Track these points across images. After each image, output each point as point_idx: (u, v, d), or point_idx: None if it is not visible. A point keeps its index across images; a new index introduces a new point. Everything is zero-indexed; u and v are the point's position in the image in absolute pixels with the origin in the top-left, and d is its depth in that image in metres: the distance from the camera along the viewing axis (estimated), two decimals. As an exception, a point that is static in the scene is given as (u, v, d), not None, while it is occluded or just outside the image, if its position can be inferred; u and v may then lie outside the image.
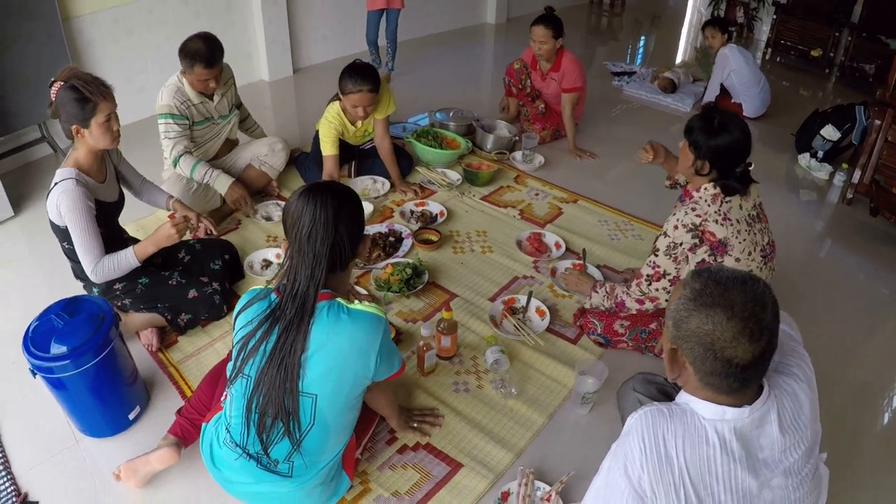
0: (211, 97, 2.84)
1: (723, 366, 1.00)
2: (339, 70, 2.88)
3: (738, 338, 0.98)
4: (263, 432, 1.42)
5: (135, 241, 2.31)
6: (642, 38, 6.68)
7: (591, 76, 4.92)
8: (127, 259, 2.08)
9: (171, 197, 2.42)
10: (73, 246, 2.04)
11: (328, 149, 2.97)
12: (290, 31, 4.90)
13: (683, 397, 1.10)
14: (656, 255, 1.93)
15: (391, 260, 2.58)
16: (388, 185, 3.19)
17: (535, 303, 2.33)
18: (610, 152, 3.72)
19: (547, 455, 1.84)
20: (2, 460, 1.88)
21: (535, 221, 2.96)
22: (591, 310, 2.21)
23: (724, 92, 4.22)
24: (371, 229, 2.80)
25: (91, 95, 1.94)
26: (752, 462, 1.03)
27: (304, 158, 3.30)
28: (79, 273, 2.17)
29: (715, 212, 1.83)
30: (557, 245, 2.72)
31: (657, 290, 1.97)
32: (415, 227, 2.85)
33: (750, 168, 1.88)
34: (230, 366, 1.47)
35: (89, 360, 1.81)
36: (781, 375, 1.13)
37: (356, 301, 1.45)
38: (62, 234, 2.05)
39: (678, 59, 5.85)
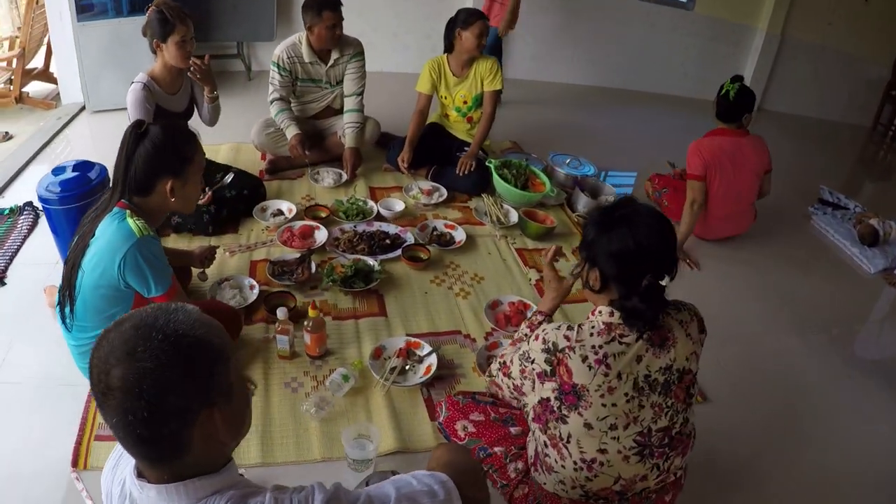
0: (325, 61, 3.16)
1: None
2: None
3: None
4: (62, 289, 1.73)
5: None
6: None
7: (794, 191, 4.09)
8: None
9: None
10: None
11: (420, 88, 3.35)
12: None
13: None
14: (516, 349, 1.49)
15: (363, 256, 2.58)
16: (444, 197, 3.19)
17: (433, 360, 2.08)
18: (723, 272, 3.05)
19: (270, 481, 1.69)
20: (14, 250, 2.59)
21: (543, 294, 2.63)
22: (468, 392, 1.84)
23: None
24: (385, 227, 2.83)
25: (171, 18, 2.43)
26: None
27: (398, 142, 3.43)
28: None
29: (593, 346, 1.29)
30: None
31: (504, 382, 1.53)
32: (423, 242, 2.79)
33: (662, 283, 1.29)
34: None
35: (70, 203, 2.32)
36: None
37: (141, 220, 1.65)
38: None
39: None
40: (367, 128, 3.39)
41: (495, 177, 3.17)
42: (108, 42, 3.69)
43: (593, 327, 1.32)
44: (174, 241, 2.65)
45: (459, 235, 2.87)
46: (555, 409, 1.33)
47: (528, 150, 3.97)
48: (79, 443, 1.74)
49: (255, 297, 2.30)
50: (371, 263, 2.52)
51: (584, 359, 1.28)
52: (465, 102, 3.38)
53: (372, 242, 2.67)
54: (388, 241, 2.70)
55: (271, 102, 3.18)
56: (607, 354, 1.28)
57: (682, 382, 1.34)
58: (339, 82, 3.28)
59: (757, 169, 3.04)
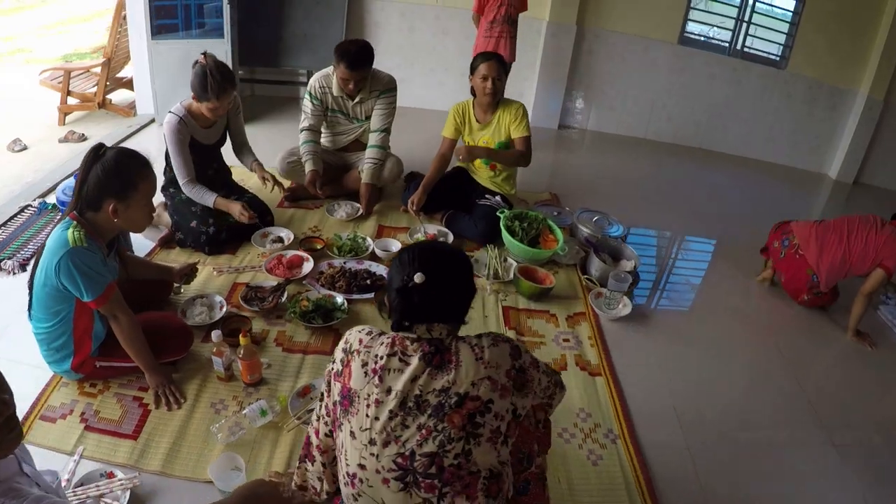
0: (351, 97, 3.38)
1: None
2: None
3: None
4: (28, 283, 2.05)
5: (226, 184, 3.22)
6: None
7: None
8: (207, 199, 2.96)
9: (256, 160, 3.20)
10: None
11: (445, 132, 3.49)
12: (567, 88, 5.11)
13: None
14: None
15: (336, 293, 2.72)
16: (448, 242, 3.25)
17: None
18: (752, 345, 2.94)
19: (158, 490, 1.87)
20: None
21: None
22: None
23: None
24: (374, 267, 2.95)
25: (209, 91, 2.76)
26: None
27: (417, 182, 3.56)
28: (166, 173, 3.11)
29: (376, 355, 1.35)
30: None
31: (320, 415, 1.48)
32: None
33: (416, 280, 1.34)
34: None
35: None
36: None
37: (80, 232, 1.90)
38: None
39: None
40: (387, 165, 3.54)
41: (502, 228, 3.19)
42: (178, 60, 4.17)
43: (387, 338, 1.39)
44: (177, 255, 2.96)
45: (445, 284, 2.92)
46: (338, 415, 1.39)
47: (565, 204, 3.96)
48: (25, 418, 2.02)
49: (219, 317, 2.52)
50: (338, 301, 2.66)
51: (364, 364, 1.35)
52: (487, 144, 3.42)
53: (352, 281, 2.81)
54: (368, 282, 2.83)
55: (301, 131, 3.45)
56: (385, 368, 1.33)
57: (463, 408, 1.30)
58: (369, 117, 3.49)
59: (877, 251, 2.97)
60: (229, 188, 3.23)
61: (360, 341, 1.39)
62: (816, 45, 4.85)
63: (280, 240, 3.10)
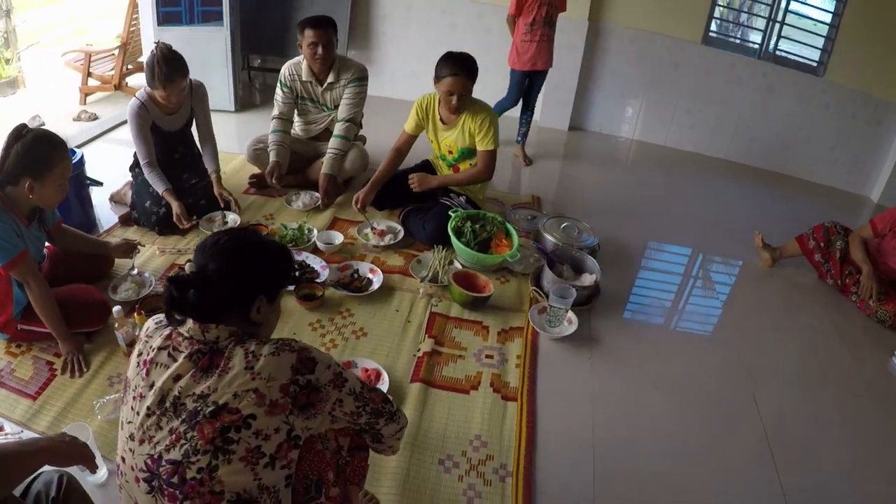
0: (321, 82, 3.54)
1: None
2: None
3: None
4: None
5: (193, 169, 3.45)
6: None
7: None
8: (158, 186, 3.18)
9: (216, 172, 3.39)
10: None
11: (406, 125, 3.45)
12: (579, 88, 5.07)
13: None
14: None
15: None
16: (396, 240, 3.35)
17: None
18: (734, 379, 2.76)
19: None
20: None
21: (419, 377, 2.48)
22: None
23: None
24: (311, 259, 3.08)
25: (157, 77, 2.99)
26: None
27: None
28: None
29: (152, 347, 1.33)
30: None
31: None
32: (324, 281, 2.95)
33: (186, 269, 1.41)
34: None
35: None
36: None
37: None
38: None
39: None
40: (350, 156, 3.66)
41: (450, 230, 3.19)
42: (181, 46, 4.39)
43: (168, 330, 1.35)
44: (132, 233, 3.26)
45: (375, 284, 2.99)
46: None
47: (552, 210, 3.92)
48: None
49: (143, 295, 2.77)
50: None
51: (140, 354, 1.35)
52: (450, 152, 3.45)
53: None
54: (297, 273, 2.99)
55: (272, 119, 3.67)
56: (153, 361, 1.31)
57: (217, 420, 1.23)
58: (338, 106, 3.63)
59: None
60: (192, 173, 3.45)
61: (147, 329, 1.39)
62: (858, 51, 4.54)
63: (225, 222, 3.33)
